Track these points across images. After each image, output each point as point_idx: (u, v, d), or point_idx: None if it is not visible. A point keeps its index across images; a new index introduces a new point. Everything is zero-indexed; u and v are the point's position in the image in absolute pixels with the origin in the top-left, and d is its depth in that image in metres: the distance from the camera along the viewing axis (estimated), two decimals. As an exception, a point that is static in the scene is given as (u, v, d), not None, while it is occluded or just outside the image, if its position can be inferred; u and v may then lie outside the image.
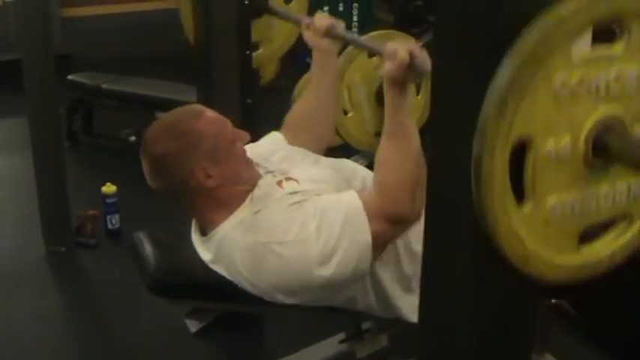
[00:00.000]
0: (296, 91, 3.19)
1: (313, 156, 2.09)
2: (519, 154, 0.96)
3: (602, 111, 1.00)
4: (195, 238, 1.91)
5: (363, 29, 4.50)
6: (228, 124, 1.87)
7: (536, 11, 0.92)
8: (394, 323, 2.19)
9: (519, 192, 0.98)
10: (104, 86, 4.53)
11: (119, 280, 3.21)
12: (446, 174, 1.07)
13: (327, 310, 1.92)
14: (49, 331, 2.94)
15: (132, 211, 3.58)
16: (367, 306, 1.91)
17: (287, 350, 2.40)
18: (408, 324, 1.93)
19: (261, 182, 1.87)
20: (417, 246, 1.82)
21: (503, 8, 0.93)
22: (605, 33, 1.00)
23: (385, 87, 1.73)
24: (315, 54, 2.16)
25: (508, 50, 0.92)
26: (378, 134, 3.22)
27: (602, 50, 0.99)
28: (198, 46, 2.69)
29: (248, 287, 1.78)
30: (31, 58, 3.20)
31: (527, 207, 0.99)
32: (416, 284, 1.85)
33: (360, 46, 2.27)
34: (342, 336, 2.29)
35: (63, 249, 3.41)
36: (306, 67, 3.09)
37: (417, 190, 1.70)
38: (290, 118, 2.22)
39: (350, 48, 2.97)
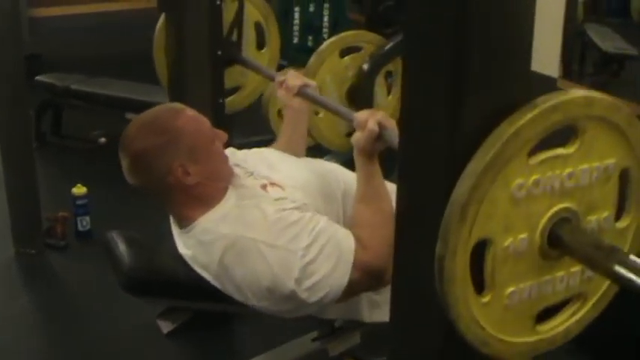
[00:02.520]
0: (266, 94, 3.21)
1: (291, 158, 2.14)
2: (479, 250, 1.03)
3: (557, 206, 1.06)
4: (175, 231, 1.93)
5: (335, 30, 4.53)
6: (207, 123, 1.90)
7: (494, 122, 0.98)
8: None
9: (480, 283, 1.05)
10: (73, 87, 4.51)
11: (90, 281, 3.24)
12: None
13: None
14: (19, 333, 2.95)
15: (102, 213, 3.58)
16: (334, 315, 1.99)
17: (259, 349, 2.43)
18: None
19: (245, 182, 1.90)
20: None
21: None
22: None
23: (355, 154, 1.79)
24: (286, 111, 2.26)
25: (468, 160, 0.98)
26: (349, 134, 3.26)
27: (557, 151, 1.05)
28: (171, 89, 2.76)
29: (219, 282, 1.80)
30: (0, 58, 3.17)
31: (487, 297, 1.06)
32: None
33: (331, 110, 2.32)
34: (314, 334, 2.29)
35: (33, 251, 3.40)
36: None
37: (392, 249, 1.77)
38: None
39: (322, 47, 2.99)
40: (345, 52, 3.00)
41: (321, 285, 1.75)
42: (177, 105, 1.95)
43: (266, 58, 3.03)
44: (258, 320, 2.78)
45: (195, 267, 1.85)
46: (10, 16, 3.14)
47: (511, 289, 1.07)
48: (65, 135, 4.67)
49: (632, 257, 1.02)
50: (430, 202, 1.05)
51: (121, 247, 1.97)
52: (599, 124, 1.07)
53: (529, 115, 0.99)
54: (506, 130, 0.98)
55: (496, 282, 1.05)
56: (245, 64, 2.80)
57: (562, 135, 1.06)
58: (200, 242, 1.83)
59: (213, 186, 1.85)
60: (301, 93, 2.20)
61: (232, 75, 2.82)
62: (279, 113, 3.14)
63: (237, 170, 1.95)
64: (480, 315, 1.05)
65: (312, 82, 2.24)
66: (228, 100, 2.86)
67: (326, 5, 4.85)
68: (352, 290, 1.80)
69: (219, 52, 2.65)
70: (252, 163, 2.03)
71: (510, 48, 1.03)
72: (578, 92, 1.06)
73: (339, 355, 2.30)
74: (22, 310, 3.10)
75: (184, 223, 1.87)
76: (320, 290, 1.75)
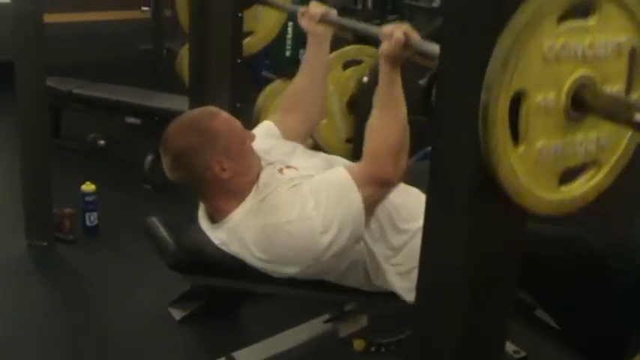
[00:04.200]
0: (259, 100, 3.39)
1: (309, 151, 2.33)
2: (515, 106, 1.18)
3: (579, 72, 1.21)
4: (205, 225, 2.10)
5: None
6: (239, 123, 2.09)
7: None
8: (374, 305, 2.44)
9: (515, 136, 1.20)
10: (75, 91, 4.65)
11: (102, 273, 3.38)
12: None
13: (322, 291, 2.14)
14: (33, 319, 3.05)
15: (106, 210, 3.76)
16: (357, 280, 2.12)
17: (270, 334, 2.58)
18: (391, 302, 2.15)
19: (263, 173, 2.07)
20: (400, 222, 2.09)
21: None
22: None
23: (381, 63, 1.92)
24: (310, 38, 2.37)
25: (508, 21, 1.14)
26: (349, 140, 3.49)
27: (580, 23, 1.22)
28: (192, 31, 2.89)
29: (259, 265, 1.98)
30: (24, 61, 3.33)
31: (521, 148, 1.20)
32: (405, 266, 2.10)
33: (355, 29, 2.46)
34: (326, 317, 2.48)
35: (44, 243, 3.53)
36: (264, 80, 3.30)
37: (401, 155, 1.94)
38: (284, 98, 2.46)
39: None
40: (347, 64, 3.17)
41: (346, 222, 1.92)
42: (214, 108, 2.12)
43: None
44: (268, 306, 2.96)
45: (230, 252, 2.02)
46: (31, 21, 3.30)
47: (541, 143, 1.21)
48: (64, 137, 4.81)
49: None
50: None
51: (164, 231, 2.13)
52: (613, 2, 1.23)
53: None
54: None
55: (529, 135, 1.19)
56: (265, 2, 2.93)
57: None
58: (232, 237, 2.01)
59: (245, 180, 2.03)
60: (324, 19, 2.33)
61: (246, 20, 2.91)
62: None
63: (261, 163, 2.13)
64: (515, 164, 1.19)
65: (334, 10, 2.37)
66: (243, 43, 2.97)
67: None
68: (372, 204, 1.97)
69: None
70: (273, 153, 2.19)
71: None
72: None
73: (349, 337, 2.48)
74: (35, 298, 3.20)
75: (218, 215, 2.05)
76: (347, 226, 1.92)
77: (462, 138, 1.24)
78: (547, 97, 1.20)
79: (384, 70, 1.93)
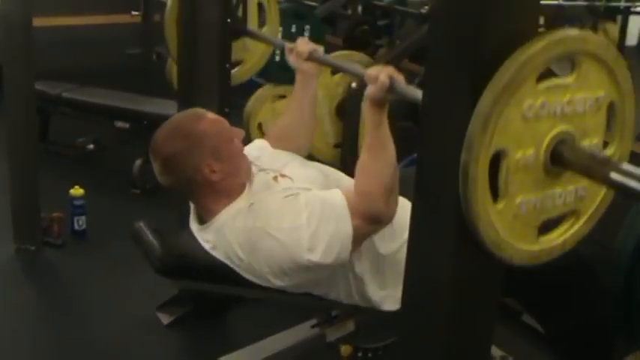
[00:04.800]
0: (249, 105, 3.43)
1: (301, 158, 2.33)
2: (495, 163, 1.21)
3: (558, 128, 1.25)
4: (194, 227, 2.12)
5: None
6: (226, 123, 2.09)
7: (509, 52, 1.18)
8: (360, 310, 2.44)
9: (494, 193, 1.23)
10: (64, 95, 4.65)
11: (88, 276, 3.40)
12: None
13: (309, 298, 2.13)
14: (20, 323, 3.07)
15: (94, 214, 3.77)
16: (347, 296, 2.14)
17: (258, 338, 2.58)
18: (378, 312, 2.17)
19: (256, 178, 2.08)
20: (383, 249, 2.11)
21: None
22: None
23: (367, 107, 1.94)
24: (298, 75, 2.38)
25: (488, 82, 1.17)
26: (337, 145, 3.51)
27: (559, 81, 1.25)
28: (180, 59, 2.91)
29: (242, 270, 1.99)
30: (12, 65, 3.34)
31: (501, 204, 1.24)
32: (390, 282, 2.12)
33: (341, 69, 2.48)
34: (313, 322, 2.48)
35: (32, 247, 3.54)
36: (254, 85, 3.33)
37: (392, 194, 1.94)
38: (274, 130, 2.46)
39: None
40: (336, 70, 3.17)
41: (332, 243, 1.91)
42: (200, 110, 2.12)
43: (268, 33, 3.16)
44: (256, 310, 2.97)
45: (217, 256, 2.04)
46: (20, 25, 3.30)
47: (520, 198, 1.25)
48: (53, 141, 4.81)
49: (626, 165, 1.19)
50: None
51: (151, 236, 2.15)
52: (592, 59, 1.27)
53: (539, 45, 1.18)
54: (521, 55, 1.17)
55: (509, 191, 1.23)
56: (252, 35, 2.96)
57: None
58: (219, 237, 2.02)
59: (235, 181, 2.04)
60: (312, 57, 2.34)
61: (235, 50, 2.94)
62: (260, 127, 3.38)
63: (252, 168, 2.14)
64: (495, 220, 1.23)
65: (320, 47, 2.38)
66: (232, 73, 2.99)
67: (307, 27, 5.07)
68: (360, 237, 1.97)
69: (229, 20, 2.79)
70: (265, 160, 2.21)
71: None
72: (576, 30, 1.26)
73: (336, 341, 2.48)
74: (23, 302, 3.22)
75: (207, 216, 2.06)
76: (332, 248, 1.92)
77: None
78: (526, 154, 1.24)
79: (369, 113, 1.94)
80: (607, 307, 1.90)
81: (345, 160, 3.24)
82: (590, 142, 1.32)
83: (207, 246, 2.06)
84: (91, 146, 4.70)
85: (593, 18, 5.82)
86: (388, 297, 2.13)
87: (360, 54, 3.47)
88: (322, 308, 2.47)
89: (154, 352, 2.91)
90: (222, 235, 2.01)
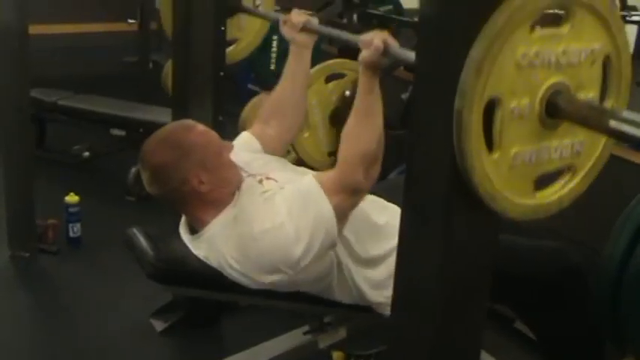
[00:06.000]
0: (244, 113, 3.43)
1: (291, 165, 2.35)
2: (490, 113, 1.19)
3: (553, 79, 1.23)
4: (185, 237, 2.12)
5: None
6: (216, 135, 2.10)
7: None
8: (353, 317, 2.46)
9: (489, 144, 1.21)
10: (60, 102, 4.66)
11: (84, 284, 3.37)
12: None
13: (302, 304, 2.16)
14: (14, 330, 3.04)
15: (88, 221, 3.75)
16: (332, 291, 2.13)
17: (251, 345, 2.59)
18: (369, 315, 2.18)
19: (243, 185, 2.09)
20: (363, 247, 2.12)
21: None
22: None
23: (360, 71, 1.94)
24: (292, 47, 2.38)
25: (482, 29, 1.15)
26: (331, 154, 3.51)
27: (552, 30, 1.23)
28: (175, 36, 2.91)
29: (237, 277, 1.99)
30: (7, 72, 3.32)
31: (496, 154, 1.22)
32: (378, 279, 2.13)
33: (336, 37, 2.48)
34: (305, 328, 2.50)
35: (27, 254, 3.52)
36: (250, 93, 3.31)
37: (374, 164, 1.94)
38: (265, 107, 2.46)
39: (310, 73, 3.22)
40: (330, 78, 3.20)
41: (317, 230, 1.92)
42: (190, 121, 2.15)
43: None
44: (249, 317, 2.96)
45: (210, 264, 2.04)
46: (15, 33, 3.28)
47: (515, 149, 1.23)
48: (49, 148, 4.80)
49: (625, 111, 1.17)
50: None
51: (144, 241, 2.15)
52: (586, 10, 1.25)
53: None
54: (512, 4, 1.15)
55: (503, 141, 1.21)
56: (248, 11, 2.96)
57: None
58: (210, 248, 2.03)
59: (223, 192, 2.05)
60: (305, 28, 2.34)
61: (230, 29, 2.93)
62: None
63: (241, 174, 2.14)
64: (489, 169, 1.21)
65: (315, 18, 2.38)
66: (227, 51, 3.00)
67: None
68: (343, 212, 1.97)
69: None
70: (254, 165, 2.21)
71: None
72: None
73: (328, 348, 2.50)
74: (17, 309, 3.20)
75: (197, 226, 2.06)
76: (319, 232, 1.93)
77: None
78: (521, 103, 1.21)
79: (363, 77, 1.94)
80: (597, 314, 1.90)
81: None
82: (586, 96, 1.29)
83: (198, 254, 2.07)
84: (87, 154, 4.70)
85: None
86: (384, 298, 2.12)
87: (355, 62, 3.47)
88: (315, 314, 2.49)
89: (147, 359, 2.89)
90: (214, 245, 2.02)
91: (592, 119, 1.19)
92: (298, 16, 2.37)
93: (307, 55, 2.40)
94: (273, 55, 5.02)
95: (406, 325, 1.43)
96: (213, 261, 2.04)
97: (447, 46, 1.22)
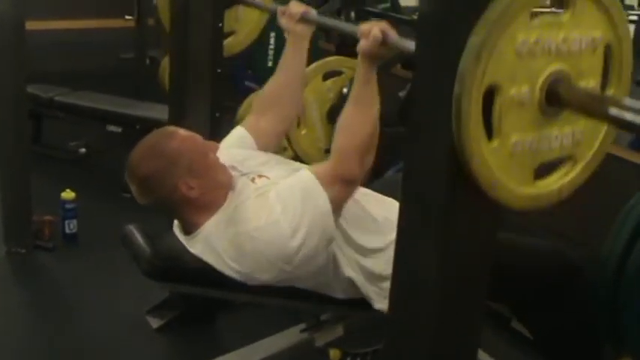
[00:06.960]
0: (241, 109, 3.41)
1: (285, 160, 2.34)
2: (490, 101, 1.18)
3: (554, 66, 1.22)
4: (181, 237, 2.10)
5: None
6: (199, 138, 2.08)
7: None
8: (350, 315, 2.45)
9: (489, 132, 1.20)
10: (57, 99, 4.65)
11: (80, 281, 3.36)
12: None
13: (299, 302, 2.15)
14: (11, 326, 3.04)
15: (85, 217, 3.75)
16: (329, 286, 2.11)
17: (247, 342, 2.58)
18: (366, 312, 2.15)
19: (238, 184, 2.07)
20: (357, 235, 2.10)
21: None
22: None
23: (359, 61, 1.92)
24: (289, 37, 2.36)
25: (482, 15, 1.14)
26: (328, 151, 3.51)
27: (553, 18, 1.22)
28: (173, 28, 2.90)
29: (234, 275, 1.98)
30: (4, 68, 3.32)
31: (495, 142, 1.21)
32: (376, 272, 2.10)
33: (334, 28, 2.47)
34: (302, 326, 2.48)
35: (23, 250, 3.52)
36: (247, 90, 3.30)
37: (368, 154, 1.95)
38: (260, 98, 2.44)
39: (308, 70, 3.23)
40: (327, 75, 3.21)
41: (314, 224, 1.92)
42: (171, 128, 2.12)
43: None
44: (245, 315, 2.95)
45: (206, 261, 2.02)
46: (12, 28, 3.29)
47: (515, 137, 1.22)
48: (45, 144, 4.79)
49: (625, 99, 1.17)
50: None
51: (141, 238, 2.14)
52: None
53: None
54: None
55: (503, 129, 1.20)
56: (245, 2, 2.95)
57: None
58: (206, 248, 2.01)
59: (215, 194, 2.03)
60: (303, 18, 2.32)
61: (227, 20, 2.92)
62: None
63: (234, 173, 2.12)
64: (489, 158, 1.20)
65: (313, 9, 2.36)
66: (224, 43, 2.97)
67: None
68: (339, 203, 1.97)
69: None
70: (248, 164, 2.19)
71: None
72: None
73: (325, 346, 2.49)
74: (13, 305, 3.19)
75: (191, 229, 2.05)
76: (316, 228, 1.93)
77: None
78: (521, 90, 1.20)
79: (360, 67, 1.93)
80: (596, 313, 1.90)
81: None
82: (587, 84, 1.28)
83: (195, 253, 2.05)
84: (83, 150, 4.70)
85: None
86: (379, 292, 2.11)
87: (353, 60, 3.47)
88: (311, 312, 2.48)
89: (143, 355, 2.88)
90: (210, 244, 2.01)
91: (592, 107, 1.19)
92: (296, 6, 2.35)
93: (305, 46, 2.39)
94: (271, 52, 5.00)
95: (404, 321, 1.42)
96: (208, 260, 2.02)
97: (446, 32, 1.21)
